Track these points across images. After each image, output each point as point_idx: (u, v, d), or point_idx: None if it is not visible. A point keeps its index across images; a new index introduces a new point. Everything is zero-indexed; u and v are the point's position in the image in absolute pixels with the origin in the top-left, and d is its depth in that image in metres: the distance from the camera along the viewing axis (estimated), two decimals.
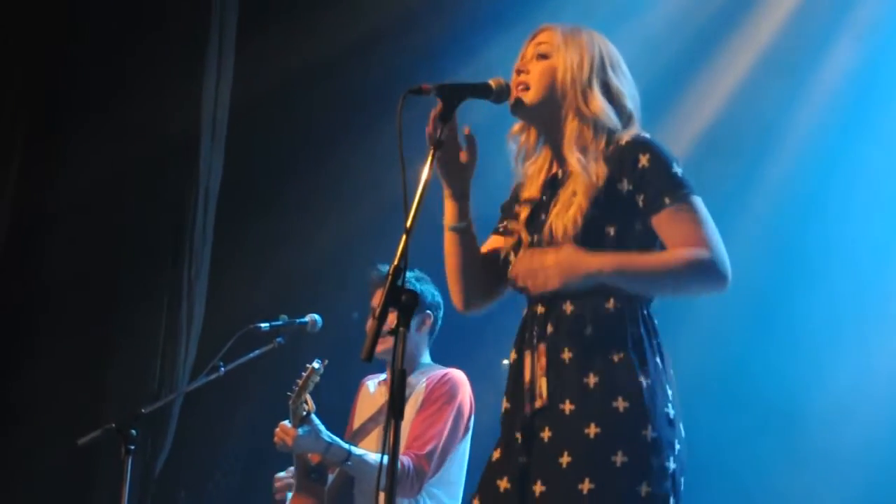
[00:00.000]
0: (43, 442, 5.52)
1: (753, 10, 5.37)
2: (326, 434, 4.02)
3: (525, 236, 2.94)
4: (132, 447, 4.10)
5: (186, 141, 5.66)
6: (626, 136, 2.85)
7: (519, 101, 2.90)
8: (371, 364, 2.54)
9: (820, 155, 5.19)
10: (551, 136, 2.95)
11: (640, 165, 2.80)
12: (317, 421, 4.01)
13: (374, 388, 4.45)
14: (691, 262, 2.74)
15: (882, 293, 5.06)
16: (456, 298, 3.02)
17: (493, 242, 3.05)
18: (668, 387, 2.78)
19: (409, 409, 4.18)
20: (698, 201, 2.80)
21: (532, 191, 2.99)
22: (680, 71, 5.35)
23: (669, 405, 2.77)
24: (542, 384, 2.78)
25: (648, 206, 2.79)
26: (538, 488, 2.75)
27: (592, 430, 2.72)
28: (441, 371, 4.27)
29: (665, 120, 4.96)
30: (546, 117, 2.92)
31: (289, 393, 4.02)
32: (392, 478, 2.46)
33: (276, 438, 4.04)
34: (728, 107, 5.32)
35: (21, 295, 5.80)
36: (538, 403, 2.78)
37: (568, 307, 2.80)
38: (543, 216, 2.89)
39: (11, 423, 5.67)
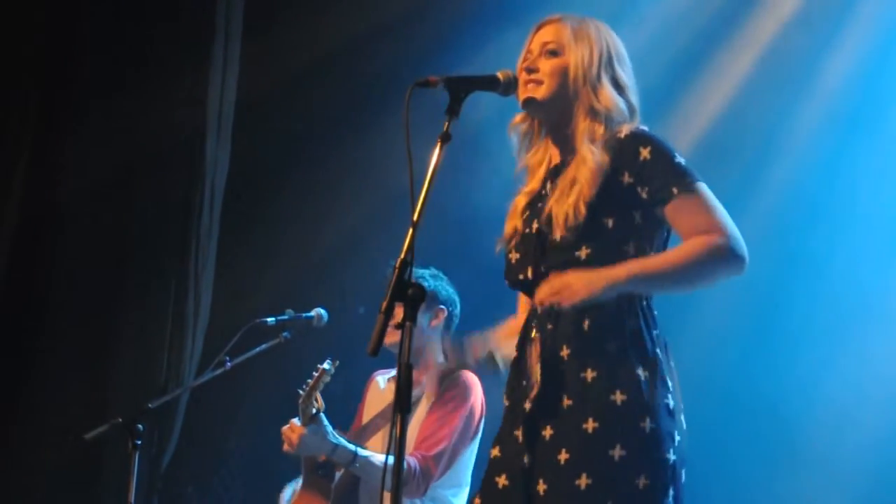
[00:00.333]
0: (50, 436, 5.53)
1: (754, 11, 5.34)
2: (333, 435, 4.01)
3: (520, 227, 2.94)
4: (139, 442, 4.09)
5: (192, 135, 5.67)
6: (624, 129, 2.86)
7: (531, 98, 2.89)
8: (377, 358, 2.53)
9: (820, 157, 5.16)
10: (560, 129, 2.94)
11: (641, 158, 2.80)
12: (325, 421, 4.00)
13: (385, 383, 4.45)
14: (708, 250, 2.74)
15: (884, 295, 5.03)
16: None
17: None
18: (668, 378, 2.78)
19: (421, 410, 4.19)
20: (705, 188, 2.81)
21: (533, 183, 2.99)
22: (679, 72, 5.32)
23: (669, 396, 2.76)
24: (536, 370, 2.79)
25: (655, 198, 2.79)
26: (541, 487, 2.75)
27: (591, 425, 2.72)
28: (454, 372, 4.25)
29: (665, 121, 4.93)
30: (557, 113, 2.92)
31: (300, 391, 4.02)
32: (398, 472, 2.46)
33: (283, 436, 4.03)
34: (728, 108, 5.30)
35: (29, 289, 5.81)
36: (532, 394, 2.78)
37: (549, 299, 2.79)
38: (541, 205, 2.90)
39: (19, 418, 5.68)
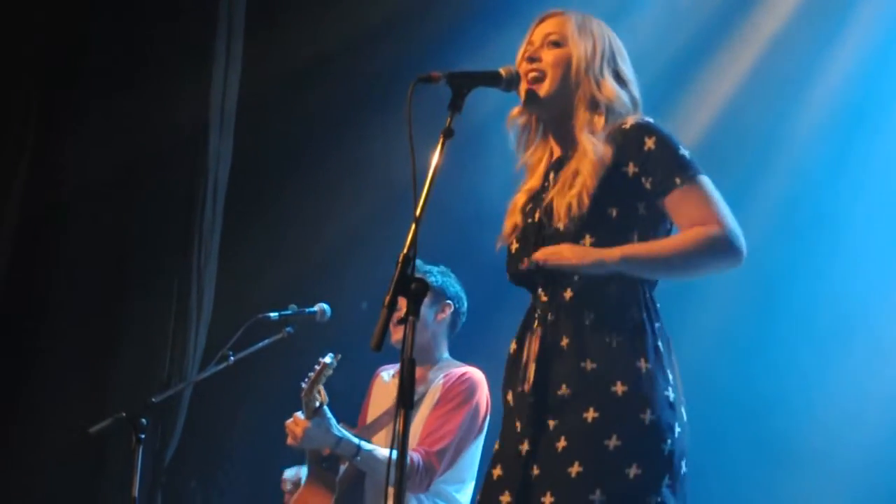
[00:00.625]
0: (54, 431, 5.54)
1: (754, 11, 5.34)
2: (337, 428, 4.01)
3: (520, 222, 2.95)
4: (142, 436, 4.11)
5: (195, 130, 5.68)
6: (629, 120, 2.87)
7: (533, 95, 2.90)
8: (380, 353, 2.52)
9: (821, 157, 5.15)
10: (561, 123, 2.94)
11: (645, 148, 2.81)
12: (329, 414, 4.00)
13: (389, 378, 4.45)
14: (705, 240, 2.76)
15: (884, 295, 5.02)
16: None
17: None
18: (668, 371, 2.79)
19: (426, 405, 4.19)
20: (707, 180, 2.82)
21: (533, 181, 3.00)
22: (678, 72, 5.31)
23: (670, 389, 2.77)
24: (531, 370, 2.80)
25: (658, 189, 2.80)
26: (534, 472, 2.76)
27: (591, 415, 2.73)
28: (460, 369, 4.26)
29: (665, 120, 4.91)
30: (559, 108, 2.92)
31: (302, 385, 4.03)
32: (401, 469, 2.46)
33: (287, 430, 4.04)
34: (728, 108, 5.29)
35: (29, 288, 5.82)
36: (526, 387, 2.80)
37: (568, 294, 2.81)
38: (544, 196, 2.90)
39: (22, 412, 5.69)
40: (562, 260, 2.75)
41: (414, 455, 4.03)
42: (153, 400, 4.32)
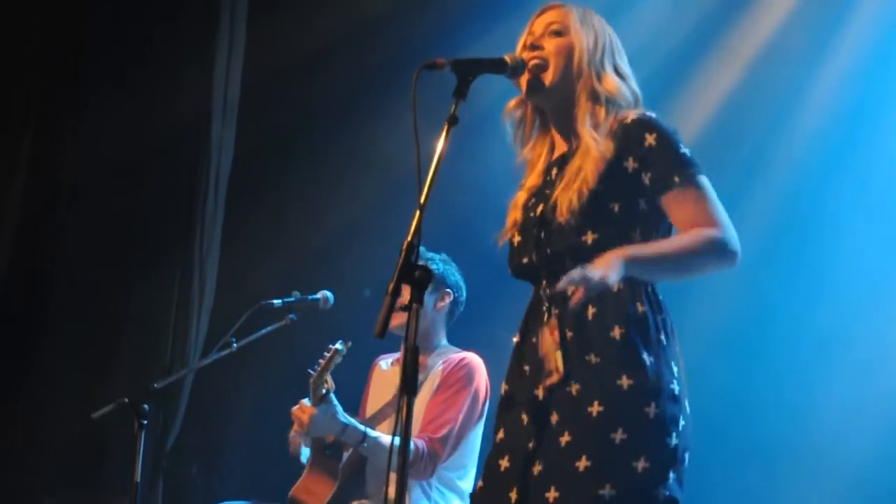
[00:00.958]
0: (56, 416, 5.57)
1: (750, 10, 5.33)
2: (343, 415, 4.02)
3: (521, 217, 2.94)
4: (145, 422, 4.13)
5: (198, 119, 5.69)
6: (631, 115, 2.86)
7: (537, 83, 2.90)
8: (383, 341, 2.52)
9: (821, 157, 5.14)
10: (561, 114, 2.94)
11: (646, 144, 2.80)
12: (335, 401, 4.01)
13: (388, 366, 4.47)
14: (703, 242, 2.75)
15: (885, 295, 5.01)
16: None
17: None
18: (673, 363, 2.79)
19: (425, 392, 4.19)
20: (706, 181, 2.80)
21: (533, 178, 2.99)
22: (678, 72, 5.30)
23: (675, 381, 2.77)
24: (558, 357, 2.78)
25: (656, 186, 2.80)
26: (536, 468, 2.76)
27: (595, 409, 2.72)
28: (458, 355, 4.28)
29: (664, 119, 4.91)
30: (560, 98, 2.92)
31: (310, 371, 4.03)
32: (404, 454, 2.47)
33: (293, 417, 4.04)
34: (728, 108, 5.28)
35: (34, 271, 5.83)
36: (555, 377, 2.77)
37: (570, 289, 2.81)
38: (548, 192, 2.89)
39: (25, 399, 5.71)
40: (591, 292, 2.63)
41: (418, 442, 4.05)
42: (156, 385, 4.34)
